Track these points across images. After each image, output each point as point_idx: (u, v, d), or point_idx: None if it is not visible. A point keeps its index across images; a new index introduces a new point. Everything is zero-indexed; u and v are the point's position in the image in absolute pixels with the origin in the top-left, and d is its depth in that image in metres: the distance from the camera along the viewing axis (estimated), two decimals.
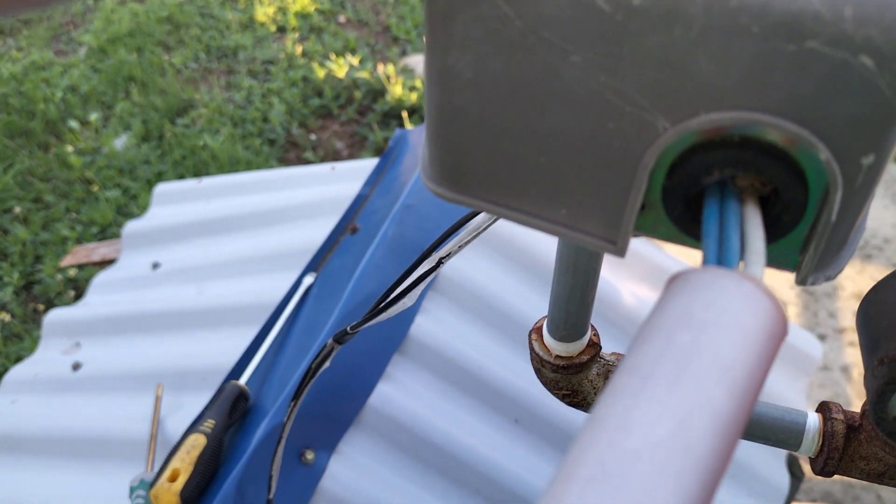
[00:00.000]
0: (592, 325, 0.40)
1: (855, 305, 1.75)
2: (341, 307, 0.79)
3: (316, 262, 0.92)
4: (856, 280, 1.74)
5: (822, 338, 1.71)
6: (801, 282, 0.25)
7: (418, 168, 0.29)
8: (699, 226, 0.25)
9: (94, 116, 2.07)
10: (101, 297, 1.03)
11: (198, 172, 1.85)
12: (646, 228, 0.27)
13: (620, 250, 0.26)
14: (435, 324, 0.82)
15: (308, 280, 0.89)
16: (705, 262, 0.23)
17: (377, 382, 0.78)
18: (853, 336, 1.71)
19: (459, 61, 0.24)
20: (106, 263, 1.29)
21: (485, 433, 0.83)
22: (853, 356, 1.66)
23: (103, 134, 2.02)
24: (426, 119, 0.27)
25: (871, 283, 1.78)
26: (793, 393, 1.03)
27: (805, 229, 0.25)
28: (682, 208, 0.25)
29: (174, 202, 1.14)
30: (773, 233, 0.25)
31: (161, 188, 1.18)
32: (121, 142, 1.98)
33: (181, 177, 1.88)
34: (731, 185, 0.24)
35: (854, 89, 0.20)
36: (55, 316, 1.00)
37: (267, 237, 1.01)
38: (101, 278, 1.06)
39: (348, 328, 0.59)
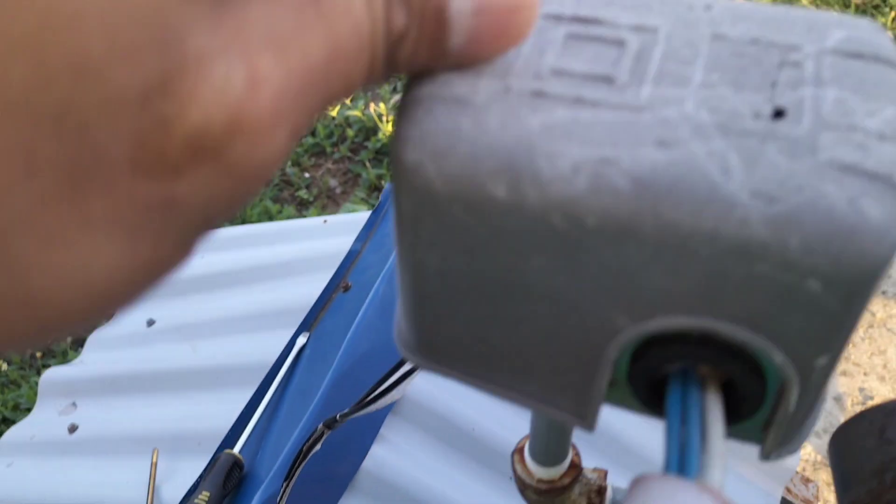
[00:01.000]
0: (574, 445, 0.40)
1: None
2: (333, 371, 0.79)
3: (309, 321, 0.92)
4: None
5: None
6: (765, 458, 0.26)
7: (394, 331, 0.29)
8: (664, 404, 0.26)
9: None
10: (97, 354, 1.03)
11: None
12: (616, 401, 0.27)
13: (590, 425, 0.27)
14: (428, 381, 0.82)
15: (301, 341, 0.89)
16: (666, 467, 0.23)
17: (371, 445, 0.78)
18: (845, 365, 1.71)
19: (426, 257, 0.24)
20: None
21: (480, 492, 0.83)
22: (846, 386, 1.66)
23: None
24: (399, 296, 0.27)
25: (866, 316, 1.77)
26: None
27: (765, 413, 0.25)
28: (648, 390, 0.25)
29: None
30: (736, 417, 0.25)
31: None
32: None
33: None
34: (693, 372, 0.25)
35: (803, 306, 0.21)
36: (52, 374, 1.01)
37: (261, 293, 1.01)
38: (98, 335, 1.07)
39: (338, 416, 0.59)
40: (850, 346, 1.72)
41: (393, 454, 0.79)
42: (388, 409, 0.81)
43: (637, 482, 0.22)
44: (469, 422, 0.81)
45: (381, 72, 0.21)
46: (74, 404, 1.00)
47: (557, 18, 0.25)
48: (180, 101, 0.16)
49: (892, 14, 2.24)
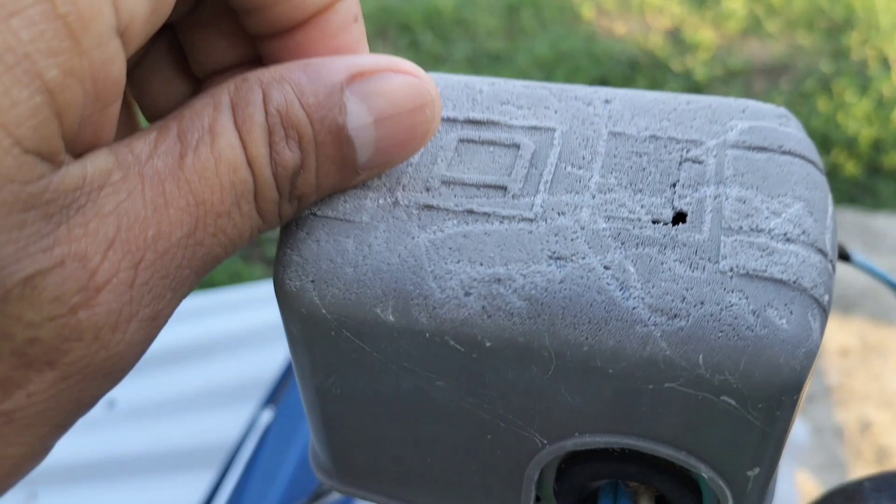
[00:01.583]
0: None
1: (840, 362, 1.74)
2: (301, 450, 0.77)
3: (273, 394, 0.89)
4: (838, 336, 1.74)
5: (810, 399, 1.69)
6: None
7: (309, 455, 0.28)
8: None
9: None
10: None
11: None
12: None
13: None
14: None
15: (266, 416, 0.87)
16: None
17: None
18: (841, 394, 1.69)
19: (325, 381, 0.22)
20: None
21: None
22: (844, 416, 1.64)
23: None
24: (307, 418, 0.25)
25: (854, 339, 1.76)
26: (779, 482, 0.99)
27: None
28: None
29: None
30: None
31: None
32: None
33: None
34: (623, 486, 0.23)
35: (723, 421, 0.19)
36: None
37: (224, 366, 0.99)
38: None
39: None
40: (846, 373, 1.72)
41: None
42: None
43: None
44: None
45: (284, 209, 0.20)
46: (35, 494, 0.96)
47: (451, 122, 0.24)
48: (5, 322, 0.16)
49: (855, 35, 2.29)
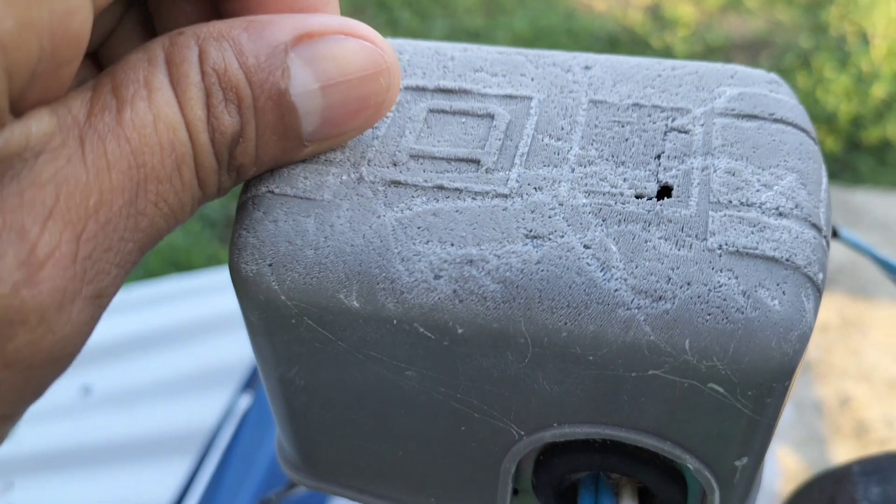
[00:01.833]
0: None
1: (819, 337, 1.75)
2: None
3: (251, 379, 0.88)
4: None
5: None
6: None
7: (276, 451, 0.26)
8: None
9: None
10: (33, 429, 0.98)
11: (139, 265, 1.80)
12: None
13: None
14: None
15: (244, 401, 0.85)
16: None
17: None
18: (820, 369, 1.71)
19: (288, 372, 0.21)
20: None
21: None
22: (823, 391, 1.66)
23: None
24: (272, 410, 0.24)
25: (833, 315, 1.78)
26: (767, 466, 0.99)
27: None
28: (559, 498, 0.22)
29: (104, 316, 1.10)
30: None
31: None
32: None
33: None
34: (605, 478, 0.22)
35: (710, 409, 0.18)
36: None
37: (201, 350, 0.97)
38: (33, 408, 1.01)
39: (273, 495, 0.55)
40: (825, 348, 1.73)
41: None
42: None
43: None
44: None
45: (223, 180, 0.18)
46: (11, 484, 0.94)
47: (420, 91, 0.22)
48: None
49: (834, 10, 2.28)
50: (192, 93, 0.17)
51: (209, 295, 1.08)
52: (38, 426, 0.97)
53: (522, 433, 0.20)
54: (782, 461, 1.50)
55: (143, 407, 0.94)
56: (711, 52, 2.22)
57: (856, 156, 1.95)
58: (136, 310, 1.09)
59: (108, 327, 1.06)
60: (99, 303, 0.17)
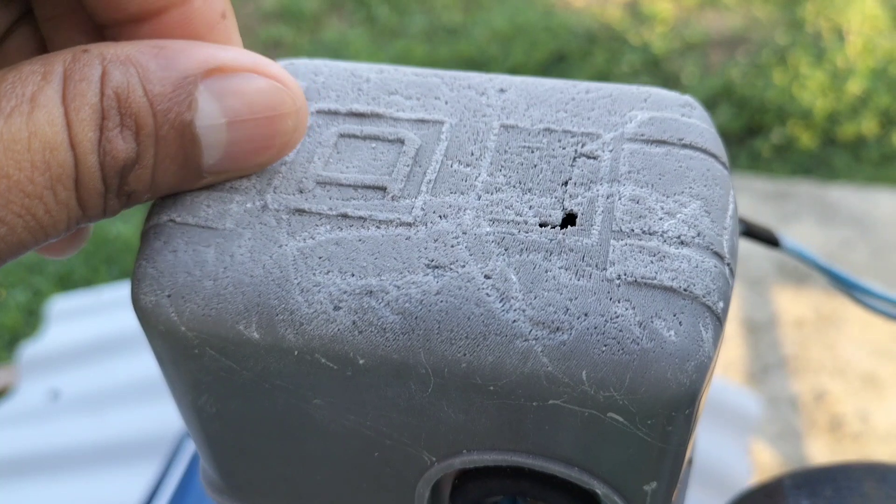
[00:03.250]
0: None
1: (795, 333, 1.77)
2: None
3: None
4: (793, 308, 1.76)
5: (765, 370, 1.71)
6: None
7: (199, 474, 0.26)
8: None
9: None
10: (1, 433, 0.97)
11: (111, 263, 1.78)
12: None
13: None
14: None
15: None
16: None
17: None
18: (796, 364, 1.72)
19: (198, 400, 0.21)
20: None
21: None
22: (798, 386, 1.67)
23: None
24: (191, 437, 0.24)
25: (809, 310, 1.79)
26: (732, 455, 1.01)
27: None
28: None
29: (73, 318, 1.09)
30: None
31: (57, 303, 1.12)
32: None
33: (94, 269, 1.81)
34: (521, 502, 0.22)
35: (613, 437, 0.18)
36: None
37: None
38: (2, 412, 1.00)
39: None
40: (800, 343, 1.74)
41: None
42: None
43: None
44: None
45: (111, 203, 0.18)
46: None
47: (333, 115, 0.22)
48: None
49: (810, 7, 2.30)
50: (85, 113, 0.17)
51: None
52: (7, 431, 0.96)
53: (434, 459, 0.20)
54: (757, 456, 1.51)
55: (112, 411, 0.93)
56: (689, 49, 2.22)
57: (831, 151, 1.97)
58: (105, 312, 1.09)
59: (78, 330, 1.06)
60: None
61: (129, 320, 1.06)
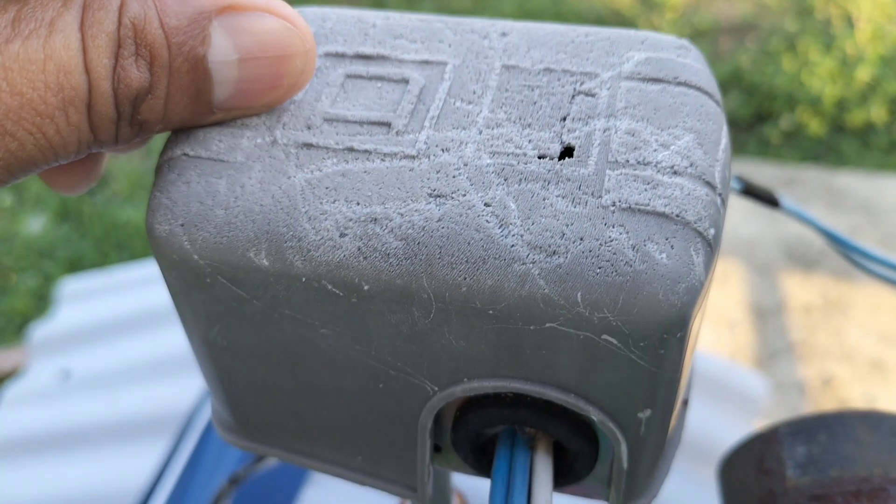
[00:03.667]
0: (459, 493, 0.38)
1: (802, 319, 1.77)
2: None
3: None
4: (801, 293, 1.76)
5: (772, 355, 1.71)
6: None
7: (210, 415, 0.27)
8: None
9: (7, 199, 2.01)
10: (12, 413, 0.98)
11: (121, 248, 1.80)
12: (449, 466, 0.25)
13: (422, 498, 0.24)
14: None
15: None
16: None
17: (300, 490, 0.75)
18: (803, 350, 1.72)
19: (209, 332, 0.22)
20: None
21: None
22: (806, 371, 1.67)
23: (19, 217, 1.96)
24: (202, 374, 0.25)
25: (816, 296, 1.79)
26: (737, 436, 1.01)
27: (605, 469, 0.23)
28: (477, 453, 0.23)
29: (83, 299, 1.10)
30: (573, 476, 0.23)
31: (67, 284, 1.14)
32: (38, 223, 1.92)
33: (104, 254, 1.82)
34: (520, 432, 0.22)
35: (608, 360, 0.19)
36: None
37: (182, 332, 0.97)
38: (12, 392, 1.01)
39: (241, 470, 0.56)
40: (808, 329, 1.74)
41: (326, 497, 0.76)
42: None
43: None
44: None
45: (123, 131, 0.19)
46: None
47: (339, 57, 0.22)
48: None
49: None
50: (102, 40, 0.17)
51: None
52: (18, 410, 0.98)
53: (436, 388, 0.21)
54: None
55: (122, 390, 0.94)
56: (698, 35, 2.22)
57: (840, 138, 1.96)
58: (115, 293, 1.10)
59: (88, 311, 1.07)
60: None
61: (139, 301, 1.07)
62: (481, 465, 0.23)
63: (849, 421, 0.28)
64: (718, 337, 1.70)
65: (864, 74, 2.05)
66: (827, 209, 1.87)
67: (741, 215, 1.81)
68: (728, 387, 1.02)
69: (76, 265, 1.78)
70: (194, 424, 0.83)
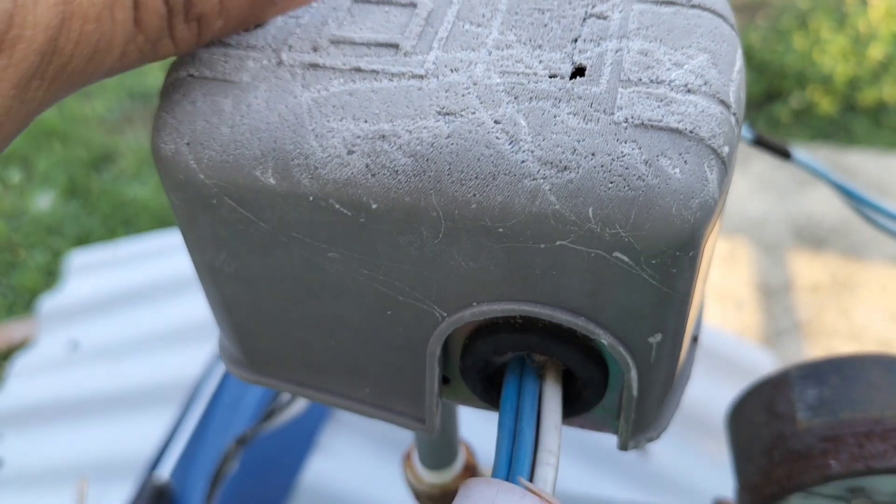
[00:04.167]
0: (466, 445, 0.38)
1: (810, 298, 1.76)
2: None
3: None
4: (809, 272, 1.75)
5: (779, 334, 1.71)
6: (621, 447, 0.24)
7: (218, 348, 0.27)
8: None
9: (16, 176, 2.02)
10: (21, 383, 0.99)
11: (128, 224, 1.80)
12: (457, 398, 0.25)
13: (430, 429, 0.24)
14: None
15: None
16: (495, 469, 0.21)
17: (306, 458, 0.75)
18: (811, 329, 1.72)
19: (216, 258, 0.21)
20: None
21: None
22: (812, 350, 1.67)
23: (28, 193, 1.96)
24: (209, 306, 0.24)
25: (825, 275, 1.78)
26: None
27: (615, 399, 0.23)
28: (485, 384, 0.23)
29: (91, 272, 1.11)
30: (581, 406, 0.23)
31: (75, 257, 1.14)
32: (47, 200, 1.93)
33: (112, 231, 1.83)
34: (529, 361, 0.22)
35: (619, 280, 0.18)
36: None
37: (190, 304, 0.98)
38: (22, 362, 1.02)
39: (249, 431, 0.56)
40: (816, 308, 1.73)
41: (334, 465, 0.76)
42: (323, 416, 0.79)
43: (463, 486, 0.20)
44: None
45: (178, 31, 0.18)
46: (1, 436, 0.96)
47: None
48: None
49: None
50: None
51: None
52: (28, 380, 0.98)
53: (444, 314, 0.21)
54: None
55: (130, 360, 0.94)
56: None
57: (851, 117, 1.94)
58: (122, 265, 1.10)
59: (96, 283, 1.07)
60: (7, 138, 0.16)
61: (146, 273, 1.07)
62: (490, 395, 0.23)
63: (862, 364, 0.28)
64: (725, 315, 1.70)
65: (876, 53, 2.02)
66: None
67: (749, 194, 1.80)
68: (735, 361, 1.02)
69: (84, 241, 1.78)
70: (202, 393, 0.84)
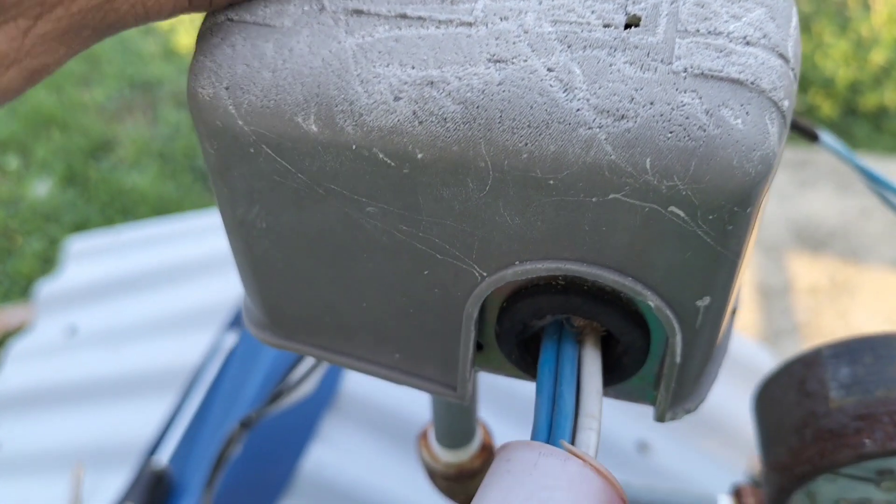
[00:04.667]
0: (483, 424, 0.37)
1: (808, 300, 1.76)
2: (265, 368, 0.75)
3: (238, 317, 0.88)
4: (807, 275, 1.75)
5: (777, 335, 1.71)
6: (658, 418, 0.23)
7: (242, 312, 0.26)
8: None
9: (14, 163, 2.00)
10: (18, 368, 0.98)
11: (126, 213, 1.79)
12: (489, 367, 0.24)
13: (462, 396, 0.24)
14: (367, 377, 0.78)
15: (231, 338, 0.85)
16: (534, 433, 0.20)
17: (307, 445, 0.74)
18: (808, 331, 1.72)
19: (249, 213, 0.21)
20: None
21: (430, 488, 0.80)
22: None
23: (25, 180, 1.95)
24: (236, 266, 0.24)
25: (824, 278, 1.78)
26: (744, 409, 1.01)
27: (654, 367, 0.22)
28: (521, 350, 0.22)
29: (90, 257, 1.10)
30: (622, 373, 0.22)
31: (74, 243, 1.13)
32: (44, 187, 1.91)
33: (109, 220, 1.81)
34: (568, 326, 0.22)
35: (671, 238, 0.18)
36: None
37: (189, 291, 0.97)
38: (19, 347, 1.01)
39: (254, 413, 0.55)
40: (814, 310, 1.73)
41: (334, 453, 0.76)
42: (324, 404, 0.78)
43: (501, 449, 0.19)
44: (414, 414, 0.77)
45: None
46: None
47: None
48: None
49: None
50: None
51: (195, 237, 1.07)
52: (26, 365, 0.97)
53: (485, 274, 0.20)
54: None
55: (129, 346, 0.94)
56: None
57: (852, 121, 1.94)
58: (122, 251, 1.09)
59: (95, 268, 1.06)
60: (35, 77, 0.16)
61: (145, 259, 1.06)
62: (525, 362, 0.22)
63: (895, 342, 0.28)
64: None
65: (878, 57, 2.03)
66: (836, 192, 1.86)
67: None
68: (735, 359, 1.01)
69: (81, 229, 1.77)
70: (202, 379, 0.83)
